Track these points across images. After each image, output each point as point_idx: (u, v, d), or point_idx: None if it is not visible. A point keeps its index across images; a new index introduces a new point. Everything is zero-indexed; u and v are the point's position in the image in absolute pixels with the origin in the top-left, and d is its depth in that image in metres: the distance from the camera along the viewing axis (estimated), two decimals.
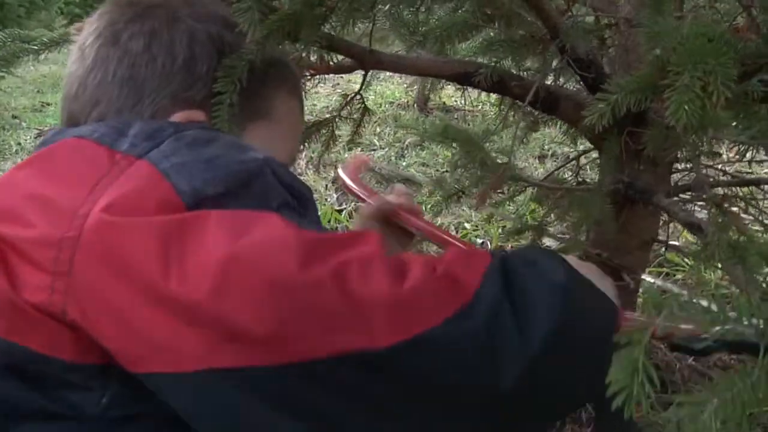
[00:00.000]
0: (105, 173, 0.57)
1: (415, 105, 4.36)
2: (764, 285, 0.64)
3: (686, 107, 0.53)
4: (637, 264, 1.27)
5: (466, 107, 3.52)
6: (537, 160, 2.26)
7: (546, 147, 2.10)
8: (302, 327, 0.50)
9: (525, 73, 1.16)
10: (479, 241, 1.97)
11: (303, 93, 0.87)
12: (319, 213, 2.34)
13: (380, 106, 4.25)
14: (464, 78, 1.13)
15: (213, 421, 0.53)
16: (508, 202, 1.65)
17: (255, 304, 0.50)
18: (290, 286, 0.51)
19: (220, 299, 0.50)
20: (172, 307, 0.51)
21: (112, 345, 0.53)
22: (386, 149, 3.69)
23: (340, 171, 1.32)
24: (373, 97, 4.26)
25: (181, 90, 0.72)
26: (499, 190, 1.27)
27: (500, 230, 1.88)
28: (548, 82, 1.21)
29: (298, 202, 0.63)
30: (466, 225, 1.99)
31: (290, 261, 0.51)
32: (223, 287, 0.50)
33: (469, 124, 3.44)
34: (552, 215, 1.26)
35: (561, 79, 1.24)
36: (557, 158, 2.54)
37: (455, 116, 3.81)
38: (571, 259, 0.81)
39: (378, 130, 4.11)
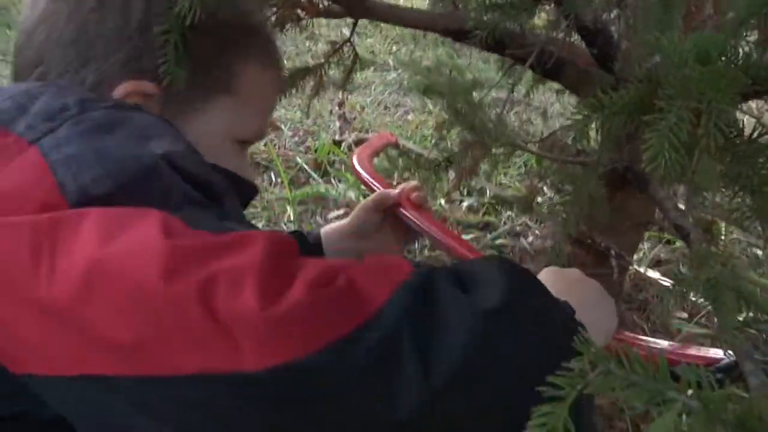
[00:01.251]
0: None
1: None
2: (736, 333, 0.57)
3: (666, 155, 0.44)
4: (627, 246, 1.20)
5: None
6: (540, 117, 2.13)
7: (552, 101, 1.96)
8: (164, 341, 0.47)
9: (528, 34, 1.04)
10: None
11: (279, 60, 0.78)
12: (317, 146, 2.27)
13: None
14: (459, 34, 1.03)
15: (91, 423, 0.52)
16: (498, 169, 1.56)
17: (117, 313, 0.48)
18: (151, 297, 0.47)
19: (83, 305, 0.48)
20: (42, 308, 0.49)
21: None
22: (399, 71, 3.55)
23: (354, 156, 1.27)
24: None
25: (132, 57, 0.66)
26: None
27: (467, 209, 1.79)
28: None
29: (205, 194, 0.58)
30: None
31: (154, 271, 0.47)
32: (87, 293, 0.48)
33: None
34: (544, 186, 1.18)
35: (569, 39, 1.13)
36: (565, 116, 2.35)
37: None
38: (571, 276, 0.76)
39: (394, 48, 3.96)
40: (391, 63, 3.69)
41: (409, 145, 1.51)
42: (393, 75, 3.50)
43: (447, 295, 0.52)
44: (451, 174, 1.17)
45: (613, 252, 1.14)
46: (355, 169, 1.23)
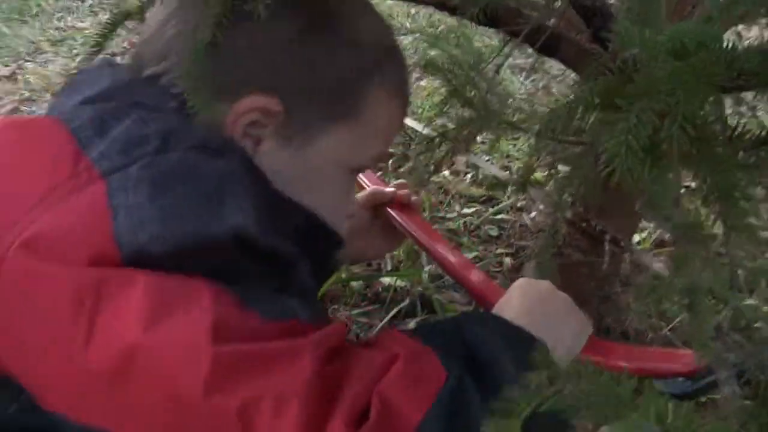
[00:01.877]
0: (60, 183, 0.52)
1: None
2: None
3: (623, 160, 0.41)
4: (626, 228, 1.17)
5: None
6: (542, 91, 2.07)
7: (557, 71, 1.89)
8: None
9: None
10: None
11: (408, 86, 0.74)
12: None
13: None
14: (453, 8, 0.98)
15: None
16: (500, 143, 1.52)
17: (151, 408, 0.48)
18: (189, 406, 0.47)
19: (118, 386, 0.48)
20: (79, 367, 0.48)
21: (22, 380, 0.51)
22: (417, 35, 3.47)
23: None
24: None
25: (261, 70, 0.62)
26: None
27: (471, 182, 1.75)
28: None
29: (270, 265, 0.55)
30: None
31: (195, 380, 0.46)
32: (123, 377, 0.47)
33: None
34: (538, 165, 1.15)
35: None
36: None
37: None
38: (541, 289, 0.76)
39: (413, 11, 3.87)
40: (408, 26, 3.61)
41: (407, 121, 1.47)
42: (410, 39, 3.43)
43: (475, 408, 0.52)
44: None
45: (607, 235, 1.11)
46: None
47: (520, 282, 0.77)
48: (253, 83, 0.61)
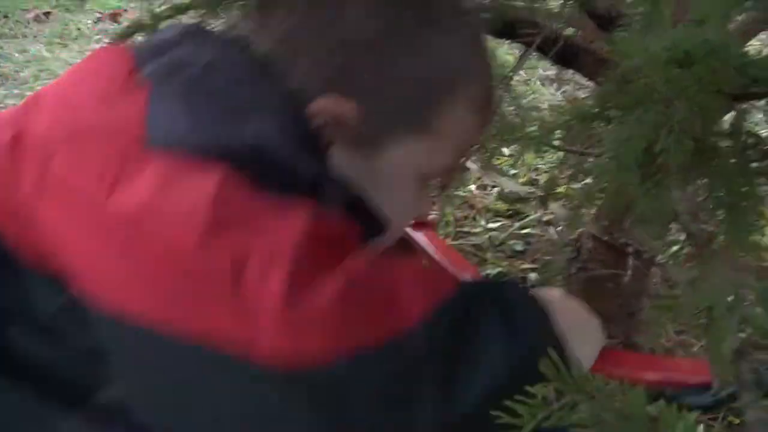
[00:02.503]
0: (111, 92, 0.57)
1: None
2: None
3: (613, 173, 0.39)
4: (652, 242, 1.13)
5: None
6: (568, 103, 2.04)
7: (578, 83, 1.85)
8: (195, 300, 0.48)
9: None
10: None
11: (491, 102, 0.71)
12: None
13: None
14: None
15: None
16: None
17: (156, 260, 0.49)
18: (185, 263, 0.48)
19: (128, 244, 0.50)
20: (99, 221, 0.51)
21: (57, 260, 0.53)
22: None
23: None
24: None
25: (343, 72, 0.60)
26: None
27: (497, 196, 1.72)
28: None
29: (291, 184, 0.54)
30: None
31: (192, 233, 0.48)
32: (133, 231, 0.50)
33: None
34: (560, 178, 1.12)
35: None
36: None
37: None
38: (555, 299, 0.70)
39: None
40: None
41: None
42: None
43: (486, 328, 0.51)
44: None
45: (631, 249, 1.08)
46: None
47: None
48: (332, 84, 0.60)
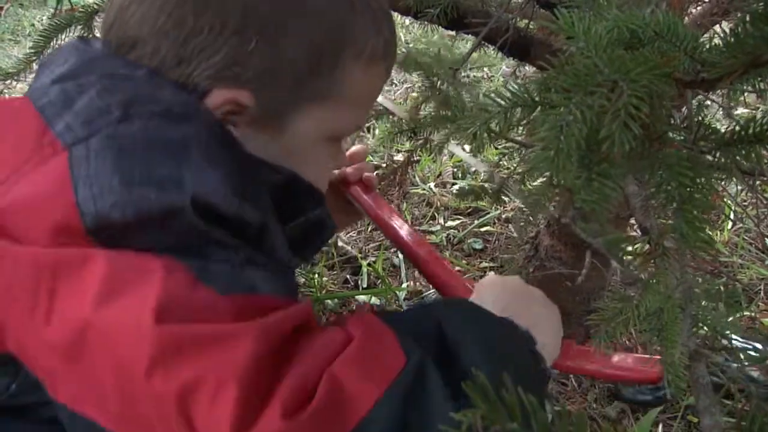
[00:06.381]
0: (26, 160, 0.52)
1: None
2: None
3: (555, 163, 0.35)
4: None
5: None
6: None
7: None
8: (145, 424, 0.48)
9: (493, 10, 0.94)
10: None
11: (388, 49, 0.66)
12: None
13: None
14: (413, 10, 0.93)
15: None
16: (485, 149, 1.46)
17: (102, 382, 0.49)
18: (133, 386, 0.47)
19: (75, 360, 0.49)
20: (42, 342, 0.50)
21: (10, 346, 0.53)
22: (411, 45, 3.43)
23: None
24: None
25: (229, 63, 0.58)
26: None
27: (454, 190, 1.69)
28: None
29: (235, 232, 0.54)
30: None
31: (137, 361, 0.47)
32: (77, 351, 0.49)
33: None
34: (516, 171, 1.09)
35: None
36: None
37: None
38: (513, 285, 0.73)
39: (407, 22, 3.83)
40: (403, 38, 3.57)
41: (386, 103, 1.40)
42: (404, 50, 3.39)
43: (435, 400, 0.50)
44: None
45: (588, 245, 1.05)
46: None
47: (489, 279, 0.73)
48: (221, 78, 0.59)
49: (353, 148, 0.98)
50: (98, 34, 1.11)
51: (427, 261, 0.85)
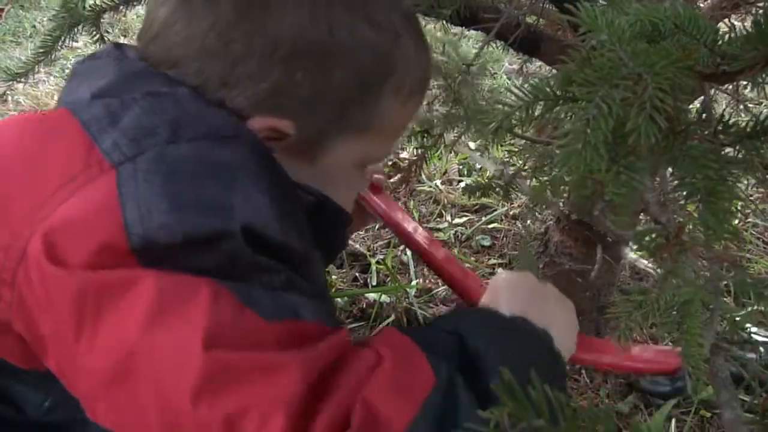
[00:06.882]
0: (75, 176, 0.52)
1: None
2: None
3: (583, 157, 0.35)
4: (622, 233, 1.10)
5: None
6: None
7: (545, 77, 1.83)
8: None
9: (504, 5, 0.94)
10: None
11: (423, 86, 0.68)
12: None
13: None
14: (428, 9, 0.93)
15: None
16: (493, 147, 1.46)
17: (144, 408, 0.48)
18: (177, 412, 0.47)
19: (118, 386, 0.48)
20: (83, 367, 0.50)
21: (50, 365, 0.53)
22: None
23: None
24: None
25: (275, 91, 0.58)
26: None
27: (460, 187, 1.69)
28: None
29: (280, 257, 0.53)
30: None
31: (185, 385, 0.46)
32: (122, 376, 0.48)
33: None
34: (527, 167, 1.09)
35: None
36: None
37: None
38: (526, 282, 0.72)
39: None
40: None
41: None
42: None
43: (465, 410, 0.50)
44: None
45: (599, 241, 1.05)
46: None
47: (501, 277, 0.72)
48: (264, 106, 0.59)
49: None
50: (106, 34, 1.10)
51: (444, 263, 0.85)
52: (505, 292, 0.70)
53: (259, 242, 0.52)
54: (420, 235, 0.89)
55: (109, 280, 0.49)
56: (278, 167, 0.59)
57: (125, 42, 0.68)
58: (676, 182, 0.41)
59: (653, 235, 0.43)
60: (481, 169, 1.77)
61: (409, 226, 0.91)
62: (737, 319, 0.57)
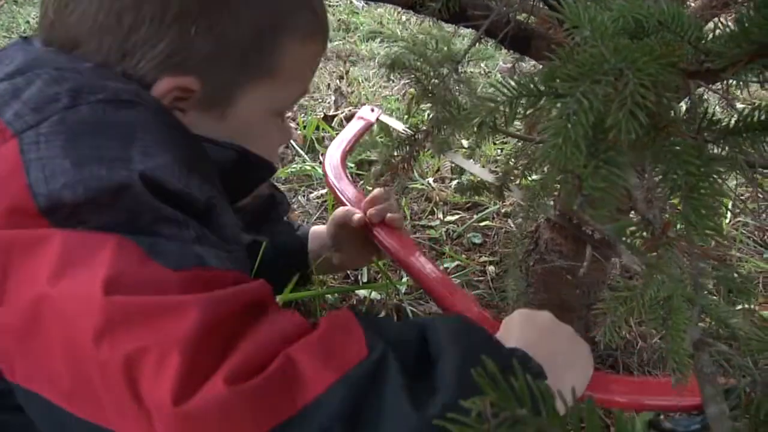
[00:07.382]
0: None
1: None
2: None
3: (562, 152, 0.35)
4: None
5: None
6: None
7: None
8: (94, 397, 0.49)
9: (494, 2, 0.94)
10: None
11: (322, 27, 0.72)
12: (306, 121, 2.19)
13: None
14: (416, 5, 0.93)
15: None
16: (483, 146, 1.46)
17: (54, 355, 0.50)
18: (83, 355, 0.49)
19: (29, 336, 0.50)
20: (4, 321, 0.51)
21: None
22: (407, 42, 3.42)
23: (326, 160, 1.22)
24: None
25: (173, 51, 0.61)
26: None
27: (453, 184, 1.69)
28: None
29: (185, 209, 0.55)
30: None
31: (86, 330, 0.48)
32: (32, 325, 0.50)
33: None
34: (518, 168, 1.09)
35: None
36: None
37: None
38: (542, 323, 0.71)
39: (403, 18, 3.82)
40: (399, 33, 3.56)
41: (388, 120, 1.42)
42: (401, 45, 3.38)
43: (391, 397, 0.50)
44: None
45: (589, 238, 1.05)
46: (327, 178, 1.21)
47: (518, 314, 0.73)
48: (166, 67, 0.62)
49: (374, 192, 1.01)
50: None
51: (456, 301, 0.85)
52: (518, 327, 0.71)
53: (160, 191, 0.53)
54: (431, 272, 0.89)
55: (18, 239, 0.50)
56: (180, 125, 0.61)
57: None
58: (658, 178, 0.41)
59: (637, 230, 0.43)
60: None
61: (420, 263, 0.92)
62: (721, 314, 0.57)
